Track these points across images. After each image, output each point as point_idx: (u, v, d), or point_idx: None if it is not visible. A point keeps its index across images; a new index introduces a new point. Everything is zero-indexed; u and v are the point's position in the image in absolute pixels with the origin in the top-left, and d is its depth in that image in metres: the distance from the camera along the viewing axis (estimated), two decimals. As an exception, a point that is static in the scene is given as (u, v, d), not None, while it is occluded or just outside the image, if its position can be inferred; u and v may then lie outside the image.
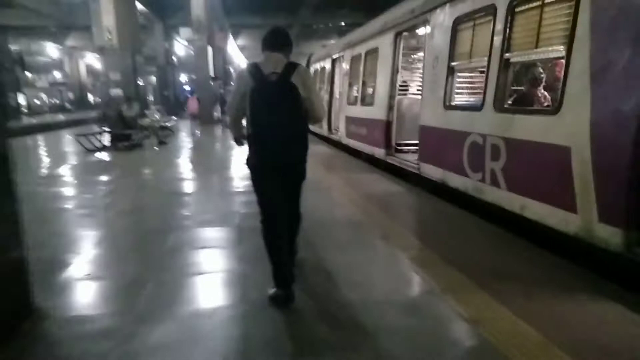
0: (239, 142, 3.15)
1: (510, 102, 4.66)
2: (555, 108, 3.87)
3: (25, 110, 35.92)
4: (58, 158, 10.81)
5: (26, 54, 36.95)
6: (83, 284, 3.32)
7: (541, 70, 4.69)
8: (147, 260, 3.75)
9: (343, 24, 27.54)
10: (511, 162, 4.40)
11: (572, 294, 3.00)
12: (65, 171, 8.62)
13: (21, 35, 33.02)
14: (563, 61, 3.76)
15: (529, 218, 4.16)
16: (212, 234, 4.46)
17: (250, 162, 2.94)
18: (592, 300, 2.90)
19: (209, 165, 9.48)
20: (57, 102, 47.34)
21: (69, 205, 5.92)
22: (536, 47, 4.15)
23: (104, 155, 10.54)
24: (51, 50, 41.24)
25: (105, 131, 11.93)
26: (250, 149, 2.92)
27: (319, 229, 4.44)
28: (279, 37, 2.98)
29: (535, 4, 4.19)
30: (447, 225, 4.74)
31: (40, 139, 15.78)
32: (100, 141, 11.69)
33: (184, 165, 9.53)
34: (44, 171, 8.74)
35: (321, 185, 6.63)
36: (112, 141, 11.73)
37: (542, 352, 2.33)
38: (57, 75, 47.52)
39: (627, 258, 3.17)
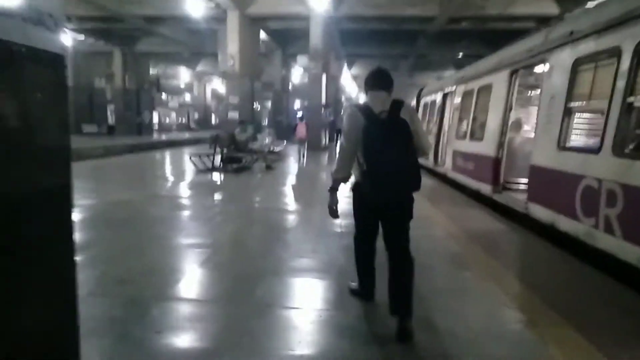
0: (334, 211, 3.27)
1: (631, 147, 4.37)
2: None
3: (157, 127, 40.86)
4: (171, 175, 11.95)
5: (162, 77, 42.22)
6: (150, 345, 2.82)
7: None
8: (229, 318, 3.23)
9: (460, 55, 27.17)
10: (629, 209, 4.17)
11: None
12: (174, 191, 9.25)
13: (159, 60, 37.82)
14: None
15: None
16: (308, 287, 3.92)
17: (360, 193, 3.15)
18: None
19: (312, 195, 9.05)
20: (184, 121, 53.10)
21: (168, 232, 5.75)
22: None
23: (213, 177, 11.20)
24: (183, 74, 46.53)
25: (217, 153, 12.56)
26: (364, 184, 3.04)
27: (418, 265, 4.41)
28: (384, 77, 3.15)
29: None
30: (554, 270, 4.57)
31: (164, 154, 17.79)
32: (212, 162, 12.39)
33: (288, 194, 9.60)
34: (155, 189, 9.45)
35: (424, 218, 6.58)
36: (222, 163, 12.37)
37: None
38: (187, 96, 53.24)
39: None
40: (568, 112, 5.56)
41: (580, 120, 5.56)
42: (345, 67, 28.52)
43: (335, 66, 23.91)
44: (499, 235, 6.03)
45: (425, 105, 15.12)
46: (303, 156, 16.44)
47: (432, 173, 12.57)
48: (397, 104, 3.02)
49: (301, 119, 19.86)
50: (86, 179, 10.35)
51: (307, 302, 3.56)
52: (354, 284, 3.58)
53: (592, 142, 5.12)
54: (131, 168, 13.56)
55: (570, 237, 5.20)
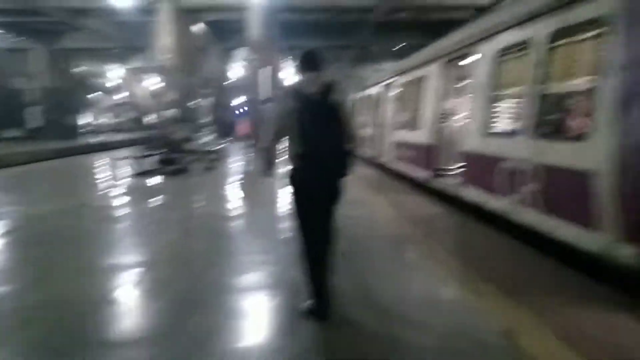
0: (268, 171, 3.35)
1: (543, 129, 4.90)
2: (584, 136, 4.15)
3: (87, 130, 39.33)
4: (102, 182, 11.09)
5: (92, 75, 40.59)
6: None
7: (573, 101, 4.92)
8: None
9: (400, 46, 27.94)
10: (543, 185, 4.73)
11: (588, 305, 3.43)
12: (103, 199, 8.51)
13: (87, 57, 36.28)
14: (592, 92, 4.09)
15: (557, 238, 4.48)
16: (255, 310, 3.46)
17: (295, 179, 3.18)
18: (606, 310, 3.33)
19: (256, 197, 8.58)
20: (119, 121, 51.31)
21: (93, 250, 5.11)
22: (568, 79, 4.58)
23: (148, 181, 10.68)
24: (114, 71, 44.90)
25: (149, 155, 12.09)
26: (297, 167, 3.14)
27: (361, 245, 4.93)
28: (315, 59, 3.24)
29: (568, 40, 4.58)
30: (483, 245, 5.18)
31: (97, 158, 17.12)
32: (145, 165, 11.77)
33: (229, 197, 9.20)
34: (82, 198, 8.63)
35: (366, 206, 7.26)
36: (157, 165, 11.86)
37: (559, 350, 2.75)
38: (120, 96, 51.41)
39: None
40: (493, 100, 6.09)
41: (503, 107, 6.09)
42: (287, 60, 28.57)
43: (276, 59, 23.89)
44: (435, 218, 6.58)
45: (367, 97, 15.54)
46: (246, 154, 16.34)
47: (374, 164, 13.07)
48: (329, 86, 3.13)
49: (243, 115, 19.73)
50: (1, 190, 9.84)
51: (254, 331, 3.15)
52: (306, 304, 3.25)
53: (513, 126, 5.64)
54: (57, 175, 12.92)
55: (497, 215, 5.74)
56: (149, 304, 3.65)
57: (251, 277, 4.15)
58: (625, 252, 3.63)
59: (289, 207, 3.33)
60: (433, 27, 21.76)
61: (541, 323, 3.09)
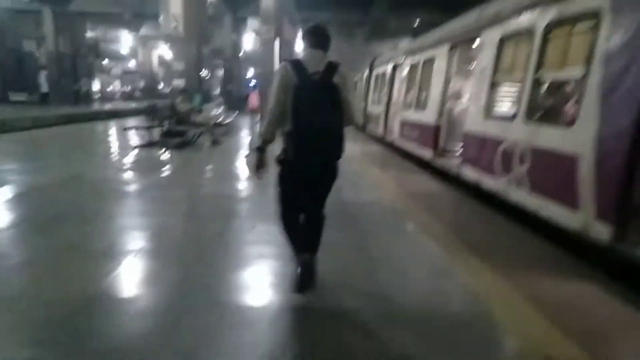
0: (258, 172, 3.24)
1: (538, 114, 5.26)
2: (570, 122, 4.52)
3: (98, 96, 39.76)
4: (105, 152, 10.98)
5: (101, 41, 40.82)
6: None
7: (563, 89, 5.29)
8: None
9: (417, 23, 27.76)
10: (534, 166, 5.11)
11: (561, 275, 3.81)
12: (101, 172, 8.17)
13: (97, 22, 36.47)
14: (580, 82, 4.45)
15: (543, 216, 4.87)
16: (248, 320, 2.92)
17: (284, 159, 3.14)
18: (579, 283, 3.66)
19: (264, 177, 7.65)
20: (129, 89, 51.79)
21: (75, 232, 4.59)
22: (560, 68, 4.95)
23: (151, 154, 10.40)
24: (125, 38, 45.16)
25: (155, 126, 11.95)
26: (287, 146, 3.08)
27: (369, 221, 5.36)
28: (322, 36, 3.19)
29: (563, 31, 4.91)
30: (473, 220, 5.67)
31: (103, 127, 17.41)
32: (150, 136, 11.60)
33: (232, 175, 8.72)
34: (80, 169, 8.24)
35: (372, 182, 7.91)
36: (161, 137, 11.51)
37: (527, 315, 3.05)
38: (131, 63, 51.66)
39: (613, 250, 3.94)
40: (493, 85, 6.41)
41: (502, 91, 6.42)
42: (300, 33, 28.51)
43: (289, 30, 23.85)
44: (434, 195, 7.05)
45: (377, 76, 15.74)
46: (254, 128, 16.15)
47: (383, 142, 13.45)
48: (332, 67, 3.06)
49: (255, 87, 19.74)
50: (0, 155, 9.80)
51: (246, 350, 2.58)
52: (294, 281, 3.33)
53: (510, 110, 5.95)
54: (59, 143, 12.86)
55: (491, 194, 6.16)
56: (127, 310, 3.05)
57: (249, 273, 3.71)
58: (599, 230, 3.97)
59: (275, 184, 3.28)
60: (452, 2, 21.59)
61: (515, 290, 3.44)
